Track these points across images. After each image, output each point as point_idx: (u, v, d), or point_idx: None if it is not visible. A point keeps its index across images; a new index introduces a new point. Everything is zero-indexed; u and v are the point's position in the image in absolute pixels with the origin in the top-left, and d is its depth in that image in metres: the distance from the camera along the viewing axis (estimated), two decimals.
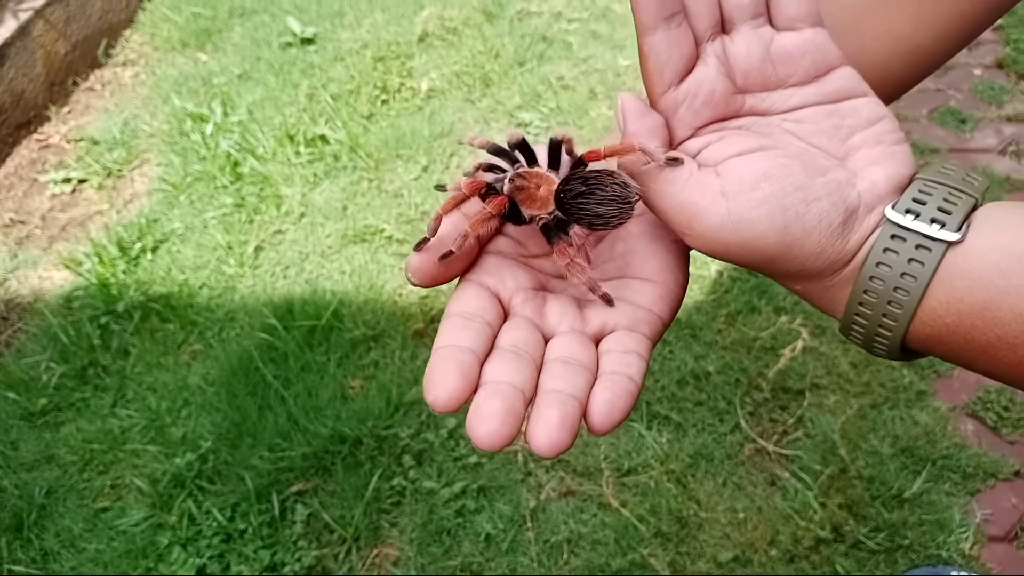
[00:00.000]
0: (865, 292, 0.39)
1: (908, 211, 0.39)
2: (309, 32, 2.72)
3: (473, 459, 1.62)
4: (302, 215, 2.14)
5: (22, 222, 2.27)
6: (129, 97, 2.65)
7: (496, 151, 0.49)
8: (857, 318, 0.40)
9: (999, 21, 2.61)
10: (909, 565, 1.45)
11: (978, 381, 1.69)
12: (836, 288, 0.41)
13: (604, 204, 0.43)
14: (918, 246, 0.38)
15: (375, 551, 1.53)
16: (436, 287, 0.45)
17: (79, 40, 2.68)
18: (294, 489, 1.60)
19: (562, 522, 1.54)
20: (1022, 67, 2.46)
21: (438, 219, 0.44)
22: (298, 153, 2.30)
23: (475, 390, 0.39)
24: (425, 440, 1.65)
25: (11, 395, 1.82)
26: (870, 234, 0.40)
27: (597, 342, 0.43)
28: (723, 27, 0.44)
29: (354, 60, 2.60)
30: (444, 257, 0.43)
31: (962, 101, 2.38)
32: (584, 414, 0.38)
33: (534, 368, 0.40)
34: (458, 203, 0.45)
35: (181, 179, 2.27)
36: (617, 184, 0.43)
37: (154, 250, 2.10)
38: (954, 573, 1.40)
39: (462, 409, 0.39)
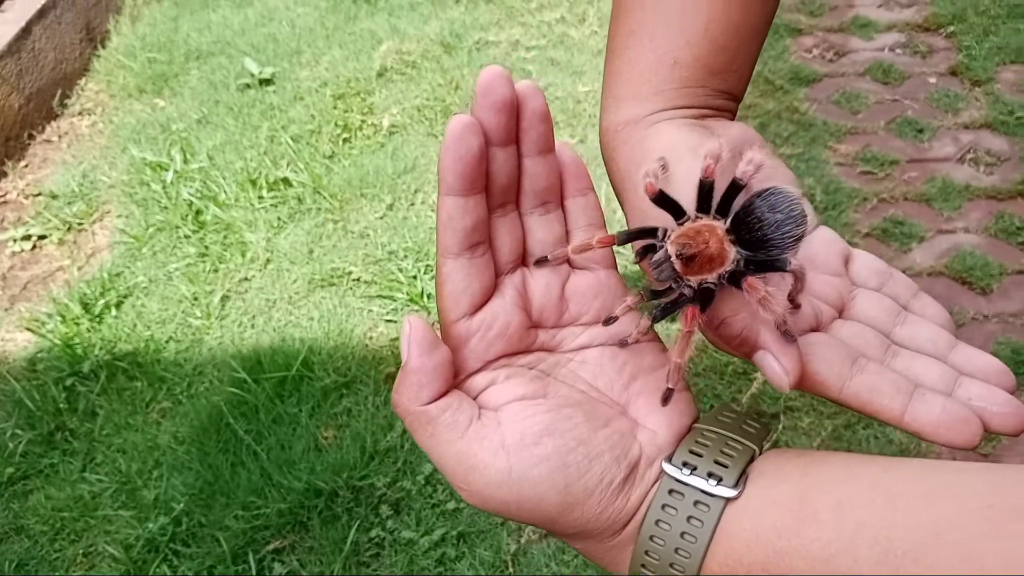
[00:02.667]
0: (647, 553, 0.38)
1: (685, 464, 0.38)
2: (267, 72, 2.70)
3: (451, 505, 1.60)
4: (268, 261, 2.12)
5: None
6: (87, 148, 2.62)
7: (628, 237, 0.44)
8: None
9: (951, 28, 2.65)
10: None
11: None
12: (618, 548, 0.40)
13: (786, 213, 0.40)
14: (696, 502, 0.37)
15: None
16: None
17: (33, 92, 2.65)
18: (271, 547, 1.58)
19: (544, 564, 1.52)
20: (975, 73, 2.49)
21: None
22: (261, 197, 2.28)
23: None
24: (402, 488, 1.63)
25: None
26: (651, 488, 0.39)
27: None
28: (523, 260, 0.44)
29: (314, 99, 2.59)
30: (666, 399, 0.40)
31: (919, 110, 2.40)
32: None
33: None
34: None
35: (143, 231, 2.24)
36: (789, 194, 0.41)
37: (118, 305, 2.07)
38: None
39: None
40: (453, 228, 0.39)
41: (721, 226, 0.42)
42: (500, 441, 0.38)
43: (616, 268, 0.45)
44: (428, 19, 2.91)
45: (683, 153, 0.45)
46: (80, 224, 2.34)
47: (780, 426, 1.67)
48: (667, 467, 0.38)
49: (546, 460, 0.37)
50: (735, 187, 0.42)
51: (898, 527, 0.33)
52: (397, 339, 1.89)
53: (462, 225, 0.39)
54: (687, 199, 0.43)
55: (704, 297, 0.40)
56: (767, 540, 0.35)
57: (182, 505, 1.64)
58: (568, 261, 0.44)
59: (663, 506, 0.37)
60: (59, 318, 2.03)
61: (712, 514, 0.36)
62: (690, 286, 0.41)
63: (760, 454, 0.40)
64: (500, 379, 0.41)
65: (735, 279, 0.41)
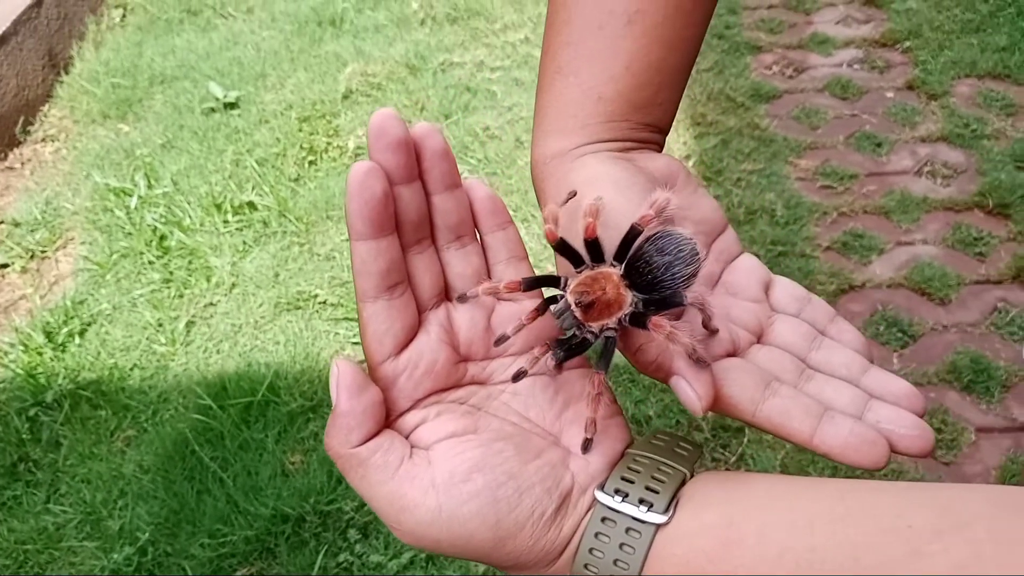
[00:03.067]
0: None
1: (617, 491, 0.39)
2: (232, 96, 2.70)
3: None
4: (233, 286, 2.12)
5: None
6: (50, 174, 2.60)
7: (532, 283, 0.44)
8: None
9: (908, 43, 2.70)
10: None
11: None
12: None
13: (674, 254, 0.41)
14: (628, 529, 0.37)
15: None
16: None
17: None
18: (238, 575, 1.57)
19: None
20: (932, 87, 2.54)
21: (505, 337, 0.42)
22: (226, 222, 2.27)
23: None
24: (370, 512, 1.62)
25: None
26: (584, 516, 0.40)
27: None
28: (447, 294, 0.44)
29: (279, 122, 2.59)
30: (585, 447, 0.41)
31: (877, 125, 2.45)
32: None
33: None
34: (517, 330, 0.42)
35: (106, 257, 2.23)
36: (677, 235, 0.42)
37: (82, 334, 2.06)
38: None
39: None
40: (368, 272, 0.40)
41: (616, 272, 0.43)
42: (430, 480, 0.39)
43: (542, 296, 0.45)
44: (393, 41, 2.92)
45: (605, 185, 0.46)
46: (43, 252, 2.33)
47: (745, 439, 1.69)
48: (599, 495, 0.39)
49: (476, 496, 0.38)
50: (633, 232, 0.43)
51: (818, 551, 0.33)
52: (363, 361, 1.89)
53: (376, 268, 0.40)
54: (615, 231, 0.44)
55: (607, 343, 0.42)
56: (696, 566, 0.36)
57: (147, 535, 1.63)
58: (459, 299, 0.45)
59: (596, 534, 0.38)
60: (21, 347, 2.01)
61: (643, 541, 0.37)
62: (592, 332, 0.42)
63: (691, 477, 0.40)
64: (431, 416, 0.42)
65: (638, 320, 0.42)
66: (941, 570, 0.31)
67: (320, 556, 1.56)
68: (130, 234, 2.27)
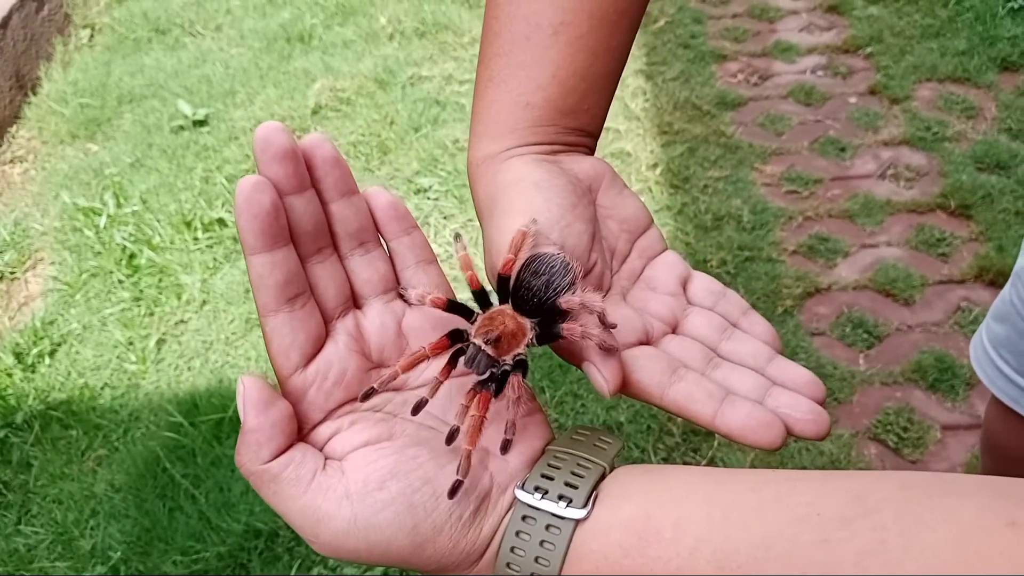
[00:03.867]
0: None
1: (537, 488, 0.39)
2: (201, 114, 2.70)
3: None
4: (204, 303, 2.11)
5: None
6: (19, 195, 2.59)
7: (453, 305, 0.45)
8: None
9: (869, 49, 2.75)
10: None
11: (877, 404, 1.75)
12: None
13: (548, 272, 0.43)
14: (548, 526, 0.38)
15: None
16: None
17: None
18: None
19: None
20: (894, 92, 2.58)
21: (394, 375, 0.41)
22: (196, 239, 2.27)
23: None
24: None
25: None
26: (504, 515, 0.40)
27: None
28: (356, 302, 0.45)
29: (248, 139, 2.59)
30: (458, 485, 0.40)
31: (840, 130, 2.48)
32: None
33: None
34: (418, 361, 0.42)
35: (76, 277, 2.22)
36: (545, 255, 0.43)
37: (52, 354, 2.05)
38: None
39: None
40: (265, 286, 0.40)
41: (507, 308, 0.44)
42: (344, 490, 0.39)
43: (453, 297, 0.46)
44: (362, 56, 2.93)
45: (528, 186, 0.48)
46: (12, 273, 2.31)
47: (716, 442, 1.70)
48: (519, 493, 0.39)
49: (391, 504, 0.38)
50: (503, 280, 0.45)
51: (732, 541, 0.34)
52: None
53: (273, 281, 0.40)
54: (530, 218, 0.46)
55: (521, 367, 0.42)
56: (614, 560, 0.36)
57: (119, 553, 1.62)
58: (401, 297, 0.46)
59: (517, 532, 0.38)
60: None
61: (563, 537, 0.37)
62: (507, 364, 0.43)
63: (611, 471, 0.41)
64: (345, 426, 0.42)
65: (547, 338, 0.44)
66: (847, 556, 0.31)
67: (294, 570, 1.56)
68: (99, 253, 2.26)
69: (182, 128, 2.68)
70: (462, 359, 0.42)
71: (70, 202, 2.43)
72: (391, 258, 0.46)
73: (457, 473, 0.39)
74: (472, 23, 3.02)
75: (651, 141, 2.44)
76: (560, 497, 0.38)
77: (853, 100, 2.60)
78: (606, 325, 0.43)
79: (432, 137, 2.52)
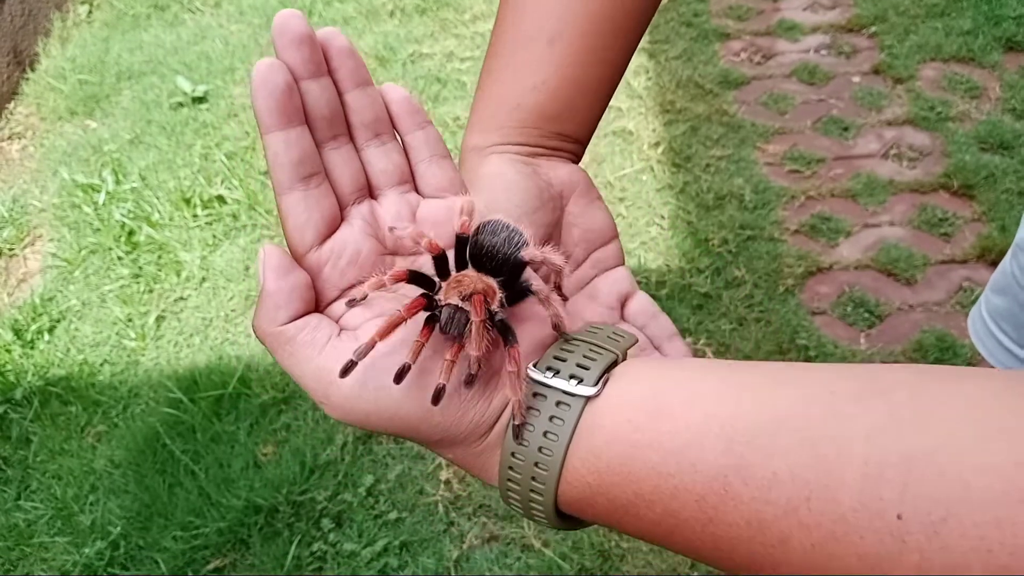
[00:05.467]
0: (513, 455, 0.39)
1: (549, 368, 0.39)
2: (200, 91, 2.69)
3: (393, 515, 1.60)
4: (203, 280, 2.11)
5: None
6: (17, 172, 2.58)
7: (416, 278, 0.44)
8: (510, 483, 0.40)
9: (874, 28, 2.73)
10: None
11: None
12: (486, 453, 0.41)
13: (504, 231, 0.43)
14: (558, 403, 0.38)
15: None
16: None
17: None
18: (211, 567, 1.56)
19: (487, 568, 1.53)
20: (898, 71, 2.56)
21: (371, 344, 0.39)
22: (195, 216, 2.26)
23: None
24: (343, 501, 1.63)
25: None
26: None
27: None
28: (371, 193, 0.46)
29: (248, 116, 2.58)
30: (469, 382, 0.40)
31: (843, 109, 2.47)
32: None
33: None
34: (395, 326, 0.40)
35: (75, 253, 2.21)
36: (495, 219, 0.44)
37: (51, 330, 2.04)
38: None
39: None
40: (280, 164, 0.41)
41: (469, 271, 0.44)
42: None
43: (467, 192, 0.47)
44: (362, 33, 2.91)
45: (496, 182, 0.49)
46: (11, 249, 2.30)
47: None
48: (531, 371, 0.40)
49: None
50: (462, 240, 0.44)
51: (742, 418, 0.34)
52: None
53: (288, 159, 0.41)
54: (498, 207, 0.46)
55: (509, 332, 0.41)
56: (624, 435, 0.37)
57: (119, 528, 1.62)
58: (417, 190, 0.47)
59: (527, 408, 0.39)
60: None
61: (572, 412, 0.38)
62: (488, 316, 0.42)
63: (623, 360, 0.41)
64: (359, 303, 0.43)
65: (517, 296, 0.43)
66: (858, 431, 0.31)
67: (293, 546, 1.56)
68: (98, 230, 2.26)
69: (181, 105, 2.66)
70: (438, 326, 0.41)
71: (69, 179, 2.42)
72: (406, 152, 0.47)
73: (513, 419, 0.39)
74: (473, 0, 3.00)
75: (653, 120, 2.43)
76: (571, 376, 0.39)
77: (857, 79, 2.58)
78: (561, 292, 0.44)
79: (433, 114, 2.51)
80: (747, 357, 1.81)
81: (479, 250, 0.44)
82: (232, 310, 2.02)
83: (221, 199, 2.29)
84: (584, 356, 0.40)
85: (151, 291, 2.10)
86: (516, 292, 0.43)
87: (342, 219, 0.44)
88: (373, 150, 0.45)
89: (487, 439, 0.41)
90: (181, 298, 2.08)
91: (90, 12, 3.23)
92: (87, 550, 1.59)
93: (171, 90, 2.72)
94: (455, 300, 0.41)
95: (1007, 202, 2.08)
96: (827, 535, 0.31)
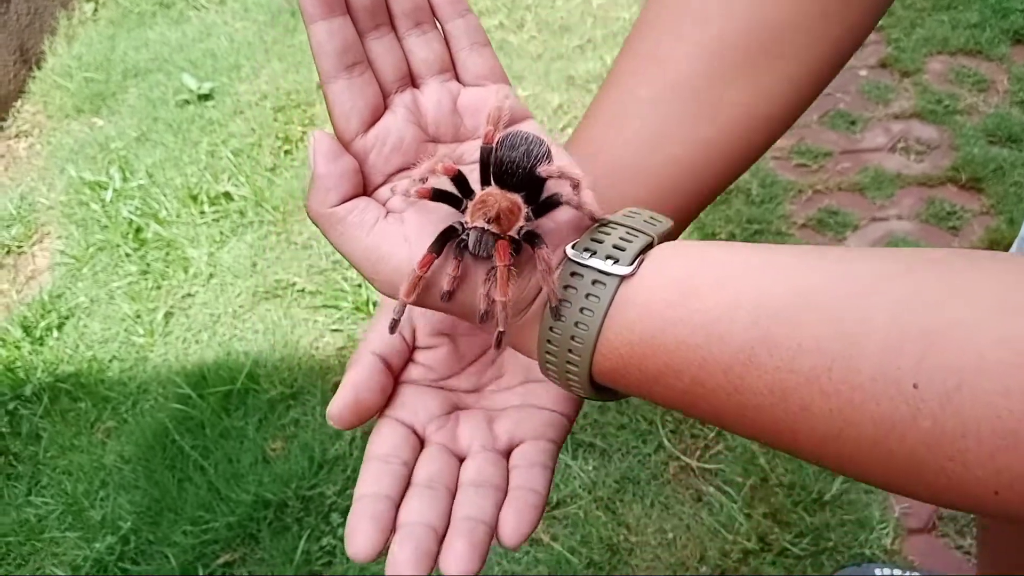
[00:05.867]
0: (551, 329, 0.40)
1: (586, 249, 0.41)
2: (206, 88, 2.69)
3: None
4: (211, 276, 2.11)
5: None
6: (24, 170, 2.59)
7: (438, 195, 0.44)
8: (548, 356, 0.41)
9: (880, 22, 2.72)
10: (835, 567, 1.48)
11: None
12: (526, 328, 0.43)
13: (524, 143, 0.43)
14: (594, 281, 0.40)
15: None
16: (360, 424, 0.47)
17: None
18: (220, 561, 1.57)
19: (495, 563, 1.53)
20: (905, 65, 2.55)
21: (403, 304, 0.42)
22: (202, 213, 2.27)
23: (393, 533, 0.42)
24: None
25: None
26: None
27: (508, 453, 0.47)
28: (413, 82, 0.47)
29: (254, 112, 2.58)
30: (499, 343, 0.41)
31: (850, 103, 2.46)
32: (496, 532, 0.43)
33: (448, 497, 0.44)
34: (415, 285, 0.41)
35: (83, 251, 2.22)
36: (516, 131, 0.44)
37: (60, 327, 2.05)
38: (878, 571, 1.43)
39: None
40: (325, 52, 0.42)
41: (492, 188, 0.44)
42: (403, 234, 0.42)
43: (507, 82, 0.47)
44: None
45: None
46: (19, 247, 2.31)
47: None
48: (569, 251, 0.41)
49: None
50: (485, 152, 0.44)
51: (769, 294, 0.35)
52: (344, 348, 1.89)
53: (332, 47, 0.42)
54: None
55: (537, 238, 0.42)
56: (656, 311, 0.38)
57: (129, 523, 1.63)
58: (458, 78, 0.47)
59: (565, 287, 0.40)
60: None
61: (608, 290, 0.39)
62: (514, 235, 0.42)
63: (658, 244, 0.42)
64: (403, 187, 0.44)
65: (544, 208, 0.43)
66: (884, 306, 0.32)
67: (303, 541, 1.57)
68: (106, 227, 2.26)
69: (187, 102, 2.67)
70: (467, 249, 0.42)
71: (76, 176, 2.42)
72: (447, 41, 0.47)
73: (497, 325, 0.40)
74: None
75: None
76: (608, 257, 0.40)
77: (863, 73, 2.58)
78: (581, 198, 0.43)
79: None
80: None
81: (499, 167, 0.44)
82: (240, 306, 2.02)
83: (228, 196, 2.30)
84: (621, 238, 0.41)
85: (159, 288, 2.10)
86: (542, 204, 0.44)
87: (385, 107, 0.45)
88: (414, 39, 0.46)
89: (525, 315, 0.42)
90: (189, 294, 2.08)
91: (96, 10, 3.24)
92: (97, 545, 1.60)
93: (177, 87, 2.73)
94: (480, 223, 0.42)
95: (1015, 195, 2.07)
96: (845, 402, 0.32)
